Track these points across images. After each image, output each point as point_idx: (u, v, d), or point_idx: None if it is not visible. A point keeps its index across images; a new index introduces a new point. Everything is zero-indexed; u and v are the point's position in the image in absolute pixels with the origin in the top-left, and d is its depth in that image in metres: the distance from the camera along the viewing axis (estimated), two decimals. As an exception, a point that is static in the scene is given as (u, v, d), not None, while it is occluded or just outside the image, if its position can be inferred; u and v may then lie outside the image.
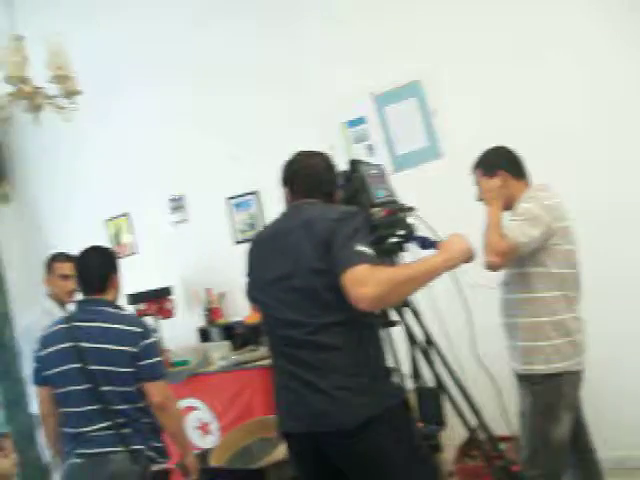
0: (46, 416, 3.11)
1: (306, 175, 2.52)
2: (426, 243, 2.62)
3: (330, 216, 2.30)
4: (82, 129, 5.84)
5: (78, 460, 2.93)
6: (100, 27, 5.41)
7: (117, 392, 2.95)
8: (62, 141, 6.45)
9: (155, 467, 3.01)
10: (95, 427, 2.93)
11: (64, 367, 2.98)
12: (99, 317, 3.05)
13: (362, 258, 2.15)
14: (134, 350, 2.98)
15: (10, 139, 6.99)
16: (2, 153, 6.99)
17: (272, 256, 2.43)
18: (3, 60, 3.85)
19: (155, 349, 3.13)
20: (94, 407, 2.94)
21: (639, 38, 3.95)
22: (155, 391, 3.04)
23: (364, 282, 2.09)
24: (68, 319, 3.07)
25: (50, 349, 3.01)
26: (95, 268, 3.20)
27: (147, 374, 3.02)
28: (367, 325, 2.36)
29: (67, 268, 4.07)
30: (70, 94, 4.17)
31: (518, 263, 2.92)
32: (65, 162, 6.61)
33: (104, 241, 6.32)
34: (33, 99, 4.05)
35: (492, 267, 2.84)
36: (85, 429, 2.94)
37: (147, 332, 3.08)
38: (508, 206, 3.07)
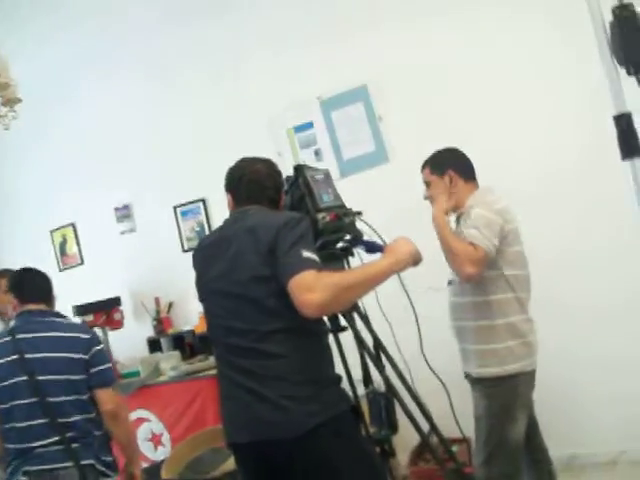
0: None
1: (250, 181, 2.50)
2: (372, 247, 2.61)
3: (274, 222, 2.28)
4: (23, 138, 5.75)
5: (24, 478, 2.84)
6: (42, 33, 5.30)
7: (67, 402, 2.90)
8: (5, 148, 6.32)
9: None
10: (43, 442, 2.86)
11: (10, 381, 2.89)
12: (45, 327, 3.01)
13: (308, 264, 2.13)
14: (85, 357, 2.97)
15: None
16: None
17: (215, 263, 2.40)
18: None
19: (105, 356, 3.13)
20: (42, 421, 2.87)
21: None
22: (107, 398, 3.02)
23: (310, 288, 2.07)
24: (10, 332, 2.99)
25: None
26: (39, 280, 3.19)
27: (98, 381, 3.01)
28: (313, 332, 2.34)
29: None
30: (10, 102, 4.07)
31: None
32: (7, 172, 6.47)
33: (49, 251, 6.22)
34: (-29, 108, 3.95)
35: (471, 278, 2.83)
36: (32, 444, 2.86)
37: (96, 339, 3.08)
38: (454, 207, 3.09)
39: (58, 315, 3.17)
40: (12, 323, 3.06)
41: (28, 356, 2.90)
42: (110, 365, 3.13)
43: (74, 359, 2.95)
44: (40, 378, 2.88)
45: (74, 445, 2.88)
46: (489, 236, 2.81)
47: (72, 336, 3.01)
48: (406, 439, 3.30)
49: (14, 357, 2.91)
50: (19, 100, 4.11)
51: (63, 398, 2.90)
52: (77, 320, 5.26)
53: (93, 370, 3.00)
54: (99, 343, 3.10)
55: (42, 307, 3.14)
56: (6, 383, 2.90)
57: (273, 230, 2.24)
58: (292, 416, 2.21)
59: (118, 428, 3.09)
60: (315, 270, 2.12)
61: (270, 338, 2.24)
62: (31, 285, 3.17)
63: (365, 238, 2.64)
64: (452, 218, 3.10)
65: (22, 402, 2.87)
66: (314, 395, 2.24)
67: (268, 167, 2.55)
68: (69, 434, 2.88)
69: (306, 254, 2.16)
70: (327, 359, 2.40)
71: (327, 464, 2.23)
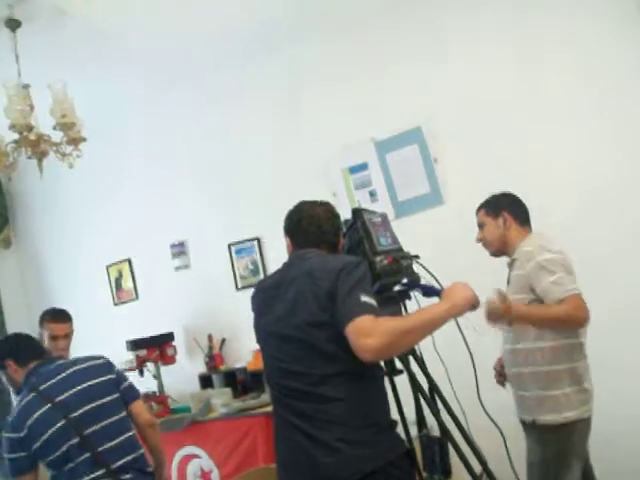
0: None
1: (309, 225, 2.52)
2: (430, 291, 2.61)
3: (333, 267, 2.30)
4: (85, 175, 5.87)
5: None
6: (107, 75, 5.44)
7: (103, 429, 2.96)
8: (64, 187, 6.47)
9: None
10: (93, 476, 2.89)
11: (50, 431, 2.89)
12: (63, 368, 3.07)
13: (366, 308, 2.15)
14: (113, 377, 3.12)
15: (13, 185, 7.02)
16: (5, 198, 7.01)
17: (274, 306, 2.42)
18: (8, 108, 3.87)
19: (123, 373, 3.32)
20: (86, 456, 2.90)
21: None
22: (141, 409, 3.22)
23: (368, 333, 2.09)
24: (31, 389, 3.00)
25: (28, 423, 2.90)
26: (32, 339, 3.30)
27: (130, 395, 3.18)
28: (370, 375, 2.34)
29: (58, 329, 4.05)
30: (74, 141, 4.19)
31: None
32: (66, 208, 6.63)
33: (105, 286, 6.33)
34: (37, 146, 4.07)
35: (588, 321, 2.85)
36: None
37: (108, 359, 3.22)
38: (502, 250, 3.11)
39: (61, 357, 3.32)
40: (32, 379, 3.05)
41: (58, 399, 2.94)
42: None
43: (108, 380, 3.10)
44: (75, 415, 2.92)
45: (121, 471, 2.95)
46: (571, 278, 2.84)
47: (97, 363, 3.15)
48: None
49: (45, 408, 2.92)
50: (83, 139, 4.25)
51: (100, 425, 2.96)
52: (131, 355, 5.36)
53: (123, 386, 3.16)
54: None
55: (50, 356, 3.25)
56: (50, 432, 2.89)
57: (332, 275, 2.26)
58: (347, 459, 2.21)
59: (154, 435, 3.24)
60: (373, 315, 2.14)
61: (328, 382, 2.25)
62: (28, 344, 3.23)
63: (422, 282, 2.65)
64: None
65: (70, 443, 2.89)
66: (371, 439, 2.25)
67: (327, 210, 2.57)
68: (114, 463, 2.94)
69: (364, 298, 2.18)
70: (383, 403, 2.40)
71: None
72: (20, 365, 3.10)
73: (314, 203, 2.59)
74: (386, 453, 2.26)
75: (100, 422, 2.97)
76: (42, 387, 2.98)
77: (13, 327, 6.63)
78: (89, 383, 3.04)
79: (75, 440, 2.89)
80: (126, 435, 3.04)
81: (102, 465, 2.90)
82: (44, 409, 2.91)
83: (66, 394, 2.96)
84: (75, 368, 3.08)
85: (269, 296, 2.47)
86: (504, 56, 4.36)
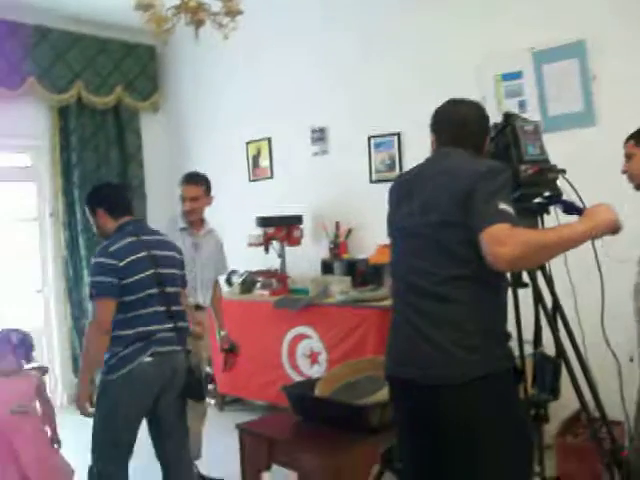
0: (109, 331, 3.18)
1: (456, 124, 2.45)
2: (571, 208, 2.53)
3: (476, 168, 2.24)
4: (236, 50, 5.93)
5: (149, 359, 3.16)
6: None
7: (175, 293, 3.37)
8: (214, 59, 6.59)
9: None
10: (163, 327, 3.23)
11: (144, 274, 3.21)
12: (152, 231, 3.46)
13: (504, 217, 2.09)
14: (181, 258, 3.53)
15: (165, 52, 7.19)
16: (157, 65, 7.20)
17: (409, 201, 2.39)
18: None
19: None
20: (161, 309, 3.24)
21: None
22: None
23: (503, 242, 2.04)
24: (131, 234, 3.28)
25: (128, 259, 3.18)
26: (126, 194, 3.78)
27: (185, 281, 3.60)
28: (494, 284, 2.30)
29: (187, 190, 4.26)
30: (232, 13, 4.21)
31: None
32: (214, 80, 6.77)
33: (242, 162, 6.47)
34: (196, 14, 4.11)
35: None
36: (154, 328, 3.20)
37: None
38: None
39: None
40: (130, 228, 3.32)
41: (153, 253, 3.28)
42: None
43: (178, 258, 3.49)
44: (162, 272, 3.27)
45: (181, 331, 3.33)
46: None
47: (169, 240, 3.53)
48: (557, 409, 3.23)
49: (144, 254, 3.24)
50: (240, 12, 4.26)
51: (173, 289, 3.35)
52: (259, 231, 5.52)
53: (182, 272, 3.54)
54: None
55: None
56: (142, 275, 3.20)
57: (475, 176, 2.20)
58: (455, 362, 2.21)
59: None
60: (510, 224, 2.08)
61: (452, 283, 2.23)
62: (118, 196, 3.51)
63: (565, 198, 2.57)
64: None
65: (151, 292, 3.22)
66: (481, 346, 2.23)
67: (477, 110, 2.49)
68: (179, 322, 3.31)
69: (502, 206, 2.12)
70: (502, 314, 2.37)
71: (474, 421, 2.22)
72: (111, 216, 3.36)
73: (463, 102, 2.50)
74: (493, 364, 2.25)
75: (173, 287, 3.36)
76: (144, 237, 3.31)
77: (151, 186, 7.00)
78: (172, 253, 3.46)
79: (155, 291, 3.23)
80: (182, 307, 3.44)
81: (172, 321, 3.28)
82: (142, 254, 3.24)
83: (159, 252, 3.34)
84: (162, 238, 3.47)
85: (406, 190, 2.44)
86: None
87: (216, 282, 4.56)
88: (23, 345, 3.61)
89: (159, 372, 3.19)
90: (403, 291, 2.40)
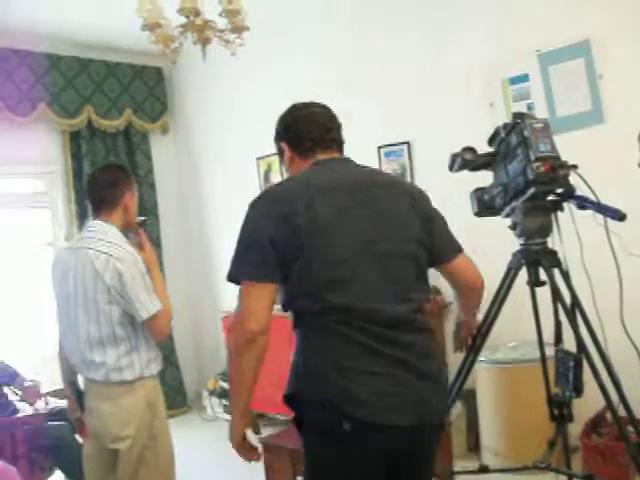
0: None
1: (320, 126, 2.35)
2: (584, 204, 2.53)
3: (419, 189, 2.24)
4: (242, 66, 5.96)
5: None
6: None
7: None
8: (222, 76, 6.62)
9: None
10: None
11: None
12: None
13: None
14: None
15: (173, 73, 7.23)
16: (165, 86, 7.25)
17: (361, 215, 2.09)
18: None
19: None
20: None
21: None
22: None
23: (475, 268, 2.12)
24: None
25: None
26: None
27: None
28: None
29: None
30: (238, 29, 4.25)
31: None
32: (222, 98, 6.79)
33: (254, 178, 6.48)
34: (202, 32, 4.15)
35: None
36: None
37: None
38: None
39: None
40: None
41: None
42: None
43: None
44: None
45: None
46: None
47: None
48: (582, 409, 3.21)
49: None
50: (247, 28, 4.30)
51: None
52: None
53: None
54: None
55: None
56: None
57: (426, 198, 2.20)
58: (444, 396, 2.21)
59: None
60: None
61: (421, 308, 2.08)
62: None
63: (577, 193, 2.57)
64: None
65: None
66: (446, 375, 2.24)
67: (327, 110, 2.38)
68: None
69: None
70: None
71: (432, 454, 2.16)
72: None
73: (309, 104, 2.39)
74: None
75: None
76: None
77: (164, 208, 6.99)
78: None
79: None
80: None
81: None
82: None
83: None
84: None
85: (346, 201, 2.14)
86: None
87: None
88: None
89: None
90: (362, 321, 2.05)
